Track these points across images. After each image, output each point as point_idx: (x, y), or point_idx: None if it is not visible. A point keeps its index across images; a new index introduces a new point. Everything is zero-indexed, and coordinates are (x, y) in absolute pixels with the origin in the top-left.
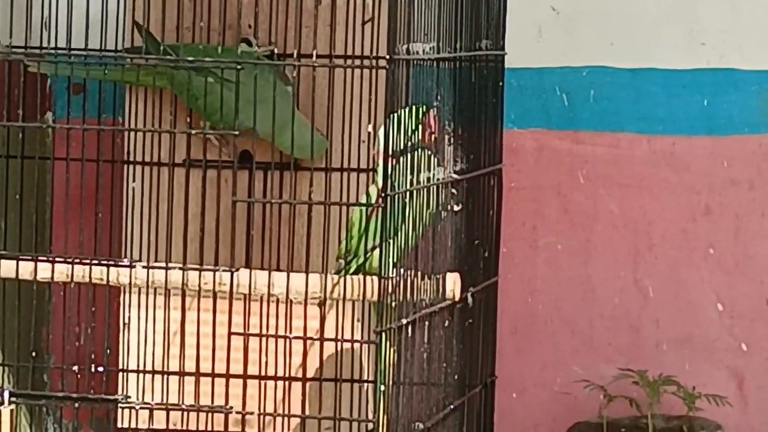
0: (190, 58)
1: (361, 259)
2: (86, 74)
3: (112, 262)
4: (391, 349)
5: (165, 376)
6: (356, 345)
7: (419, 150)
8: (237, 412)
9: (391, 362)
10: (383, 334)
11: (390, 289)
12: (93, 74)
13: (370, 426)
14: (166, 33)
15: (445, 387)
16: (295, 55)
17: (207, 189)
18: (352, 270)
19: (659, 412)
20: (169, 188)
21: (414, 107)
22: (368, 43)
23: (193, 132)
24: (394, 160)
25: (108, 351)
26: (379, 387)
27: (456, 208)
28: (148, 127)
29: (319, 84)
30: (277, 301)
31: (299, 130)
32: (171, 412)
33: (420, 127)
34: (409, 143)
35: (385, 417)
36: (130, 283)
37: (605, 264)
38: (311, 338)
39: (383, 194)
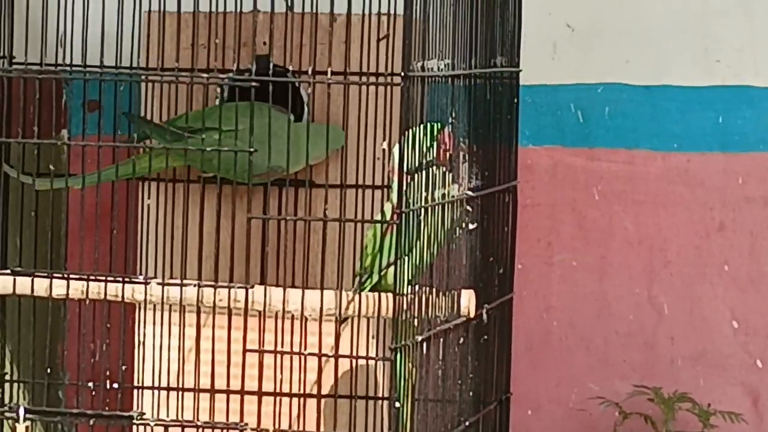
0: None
1: (377, 276)
2: (98, 179)
3: (127, 279)
4: (409, 364)
5: (180, 393)
6: (371, 362)
7: (434, 167)
8: (252, 429)
9: (409, 379)
10: (398, 351)
11: (405, 306)
12: (105, 176)
13: None
14: (181, 51)
15: (460, 404)
16: (309, 72)
17: (222, 206)
18: (367, 287)
19: (674, 429)
20: (184, 205)
21: (429, 124)
22: (383, 60)
23: (208, 149)
24: (409, 177)
25: (123, 368)
26: (394, 404)
27: (471, 226)
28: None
29: (333, 101)
30: (292, 317)
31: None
32: (186, 429)
33: (435, 144)
34: (424, 160)
35: None
36: (145, 299)
37: (620, 280)
38: (326, 355)
39: (398, 211)
